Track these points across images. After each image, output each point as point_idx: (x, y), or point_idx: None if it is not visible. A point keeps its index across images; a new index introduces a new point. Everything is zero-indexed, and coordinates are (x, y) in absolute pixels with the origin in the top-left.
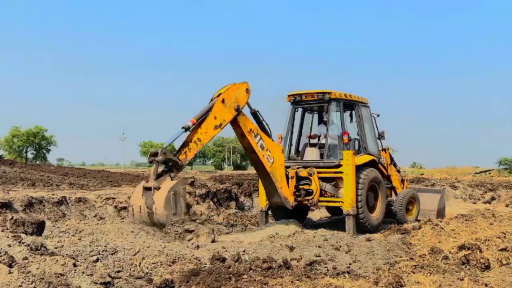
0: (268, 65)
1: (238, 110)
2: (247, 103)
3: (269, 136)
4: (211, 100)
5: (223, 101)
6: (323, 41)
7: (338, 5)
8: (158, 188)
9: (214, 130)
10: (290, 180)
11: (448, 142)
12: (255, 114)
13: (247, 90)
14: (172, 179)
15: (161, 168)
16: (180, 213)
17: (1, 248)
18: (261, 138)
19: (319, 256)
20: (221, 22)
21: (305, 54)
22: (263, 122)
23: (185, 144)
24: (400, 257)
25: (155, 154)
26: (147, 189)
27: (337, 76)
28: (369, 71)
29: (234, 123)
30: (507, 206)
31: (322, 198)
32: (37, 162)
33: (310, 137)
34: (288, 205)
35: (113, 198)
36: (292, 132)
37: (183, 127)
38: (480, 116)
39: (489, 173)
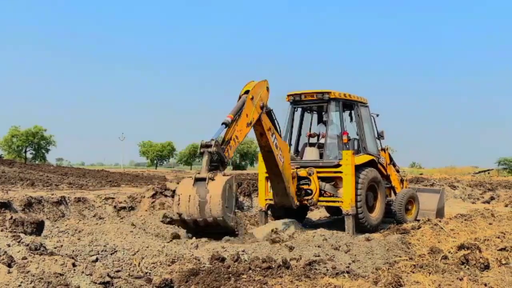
0: (268, 65)
1: (262, 108)
2: None
3: (280, 135)
4: (239, 97)
5: (252, 98)
6: (323, 41)
7: (338, 5)
8: (213, 179)
9: (246, 127)
10: (293, 179)
11: (448, 142)
12: (269, 113)
13: (268, 89)
14: (223, 175)
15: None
16: (231, 208)
17: (0, 248)
18: (275, 137)
19: (319, 256)
20: (221, 22)
21: (305, 54)
22: (276, 121)
23: (226, 142)
24: (400, 256)
25: (208, 146)
26: (198, 180)
27: (336, 76)
28: (369, 71)
29: (257, 121)
30: (506, 206)
31: (321, 198)
32: (36, 162)
33: (310, 135)
34: (294, 205)
35: (112, 198)
36: (291, 132)
37: (223, 123)
38: (480, 116)
39: (488, 173)
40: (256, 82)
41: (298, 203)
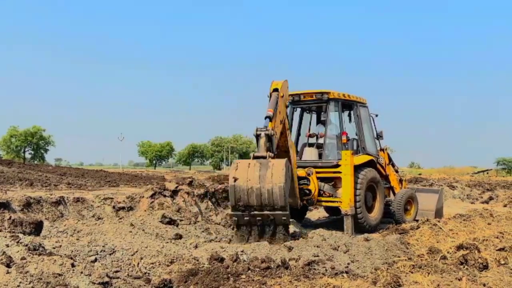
0: (267, 65)
1: (287, 107)
2: None
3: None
4: (269, 95)
5: (282, 96)
6: (322, 41)
7: (338, 5)
8: (273, 158)
9: (280, 124)
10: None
11: (446, 142)
12: None
13: (287, 88)
14: None
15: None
16: (288, 191)
17: None
18: (289, 137)
19: (318, 256)
20: (221, 22)
21: (304, 54)
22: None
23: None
24: (398, 257)
25: (264, 129)
26: (257, 158)
27: (335, 76)
28: (368, 71)
29: None
30: (505, 206)
31: (320, 198)
32: (35, 162)
33: (310, 136)
34: (298, 205)
35: (111, 198)
36: (290, 132)
37: (267, 117)
38: (478, 116)
39: (487, 173)
40: (280, 81)
41: (301, 203)
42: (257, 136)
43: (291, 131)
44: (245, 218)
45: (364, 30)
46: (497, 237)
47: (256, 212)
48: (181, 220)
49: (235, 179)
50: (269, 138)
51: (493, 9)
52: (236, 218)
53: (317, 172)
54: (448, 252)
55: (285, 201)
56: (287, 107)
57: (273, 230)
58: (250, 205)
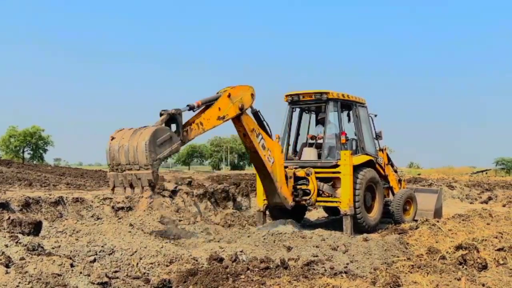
0: (267, 65)
1: (242, 110)
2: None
3: (270, 136)
4: (217, 93)
5: (229, 95)
6: (321, 41)
7: (337, 4)
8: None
9: (216, 120)
10: (288, 180)
11: (445, 142)
12: (256, 114)
13: (252, 95)
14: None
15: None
16: (158, 156)
17: None
18: (262, 138)
19: (317, 256)
20: (220, 21)
21: (304, 54)
22: (264, 122)
23: (187, 124)
24: (398, 257)
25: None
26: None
27: (334, 76)
28: (366, 71)
29: (237, 122)
30: (504, 206)
31: (319, 198)
32: (34, 162)
33: (311, 138)
34: (288, 205)
35: (110, 199)
36: (289, 132)
37: (188, 105)
38: (477, 116)
39: (486, 173)
40: (238, 85)
41: (293, 203)
42: (160, 115)
43: (290, 132)
44: (119, 178)
45: (364, 30)
46: (496, 237)
47: (126, 172)
48: (180, 220)
49: (112, 138)
50: (171, 117)
51: (493, 8)
52: (113, 179)
53: (316, 172)
54: (447, 252)
55: (147, 160)
56: (242, 110)
57: (141, 190)
58: (120, 163)
